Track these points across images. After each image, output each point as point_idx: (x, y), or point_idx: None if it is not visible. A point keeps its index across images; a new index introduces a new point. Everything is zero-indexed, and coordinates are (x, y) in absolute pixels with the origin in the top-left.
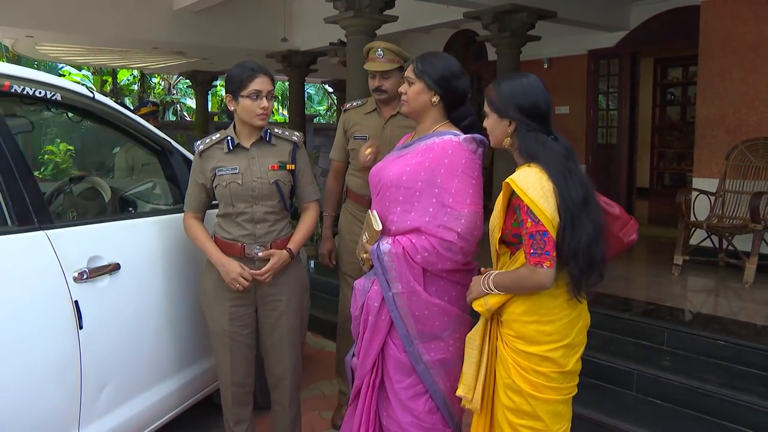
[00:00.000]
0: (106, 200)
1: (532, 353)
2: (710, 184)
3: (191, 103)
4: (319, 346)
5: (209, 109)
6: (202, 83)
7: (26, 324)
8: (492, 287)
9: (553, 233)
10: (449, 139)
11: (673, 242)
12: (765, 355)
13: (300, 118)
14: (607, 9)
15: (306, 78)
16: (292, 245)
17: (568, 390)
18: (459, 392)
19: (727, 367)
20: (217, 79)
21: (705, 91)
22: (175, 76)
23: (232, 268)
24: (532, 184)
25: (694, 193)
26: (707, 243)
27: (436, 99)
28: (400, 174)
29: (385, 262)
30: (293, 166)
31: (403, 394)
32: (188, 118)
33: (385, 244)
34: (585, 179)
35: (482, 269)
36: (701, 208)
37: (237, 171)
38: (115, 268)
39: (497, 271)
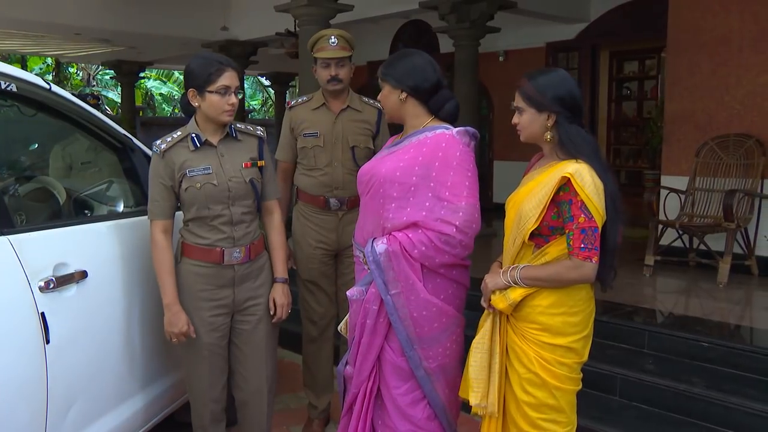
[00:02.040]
0: (61, 202)
1: (557, 345)
2: (679, 182)
3: (113, 96)
4: (279, 357)
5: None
6: (127, 74)
7: None
8: (519, 281)
9: (600, 229)
10: (442, 132)
11: (634, 242)
12: (751, 357)
13: (241, 114)
14: (567, 0)
15: (245, 70)
16: (281, 273)
17: (580, 380)
18: (472, 402)
19: (711, 369)
20: (144, 70)
21: (673, 86)
22: (95, 66)
23: (180, 321)
24: (588, 181)
25: (664, 192)
26: (677, 243)
27: (403, 96)
28: (393, 169)
29: (381, 264)
30: (263, 162)
31: (401, 401)
32: (109, 112)
33: (381, 245)
34: (613, 174)
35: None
36: (670, 207)
37: (210, 171)
38: (82, 276)
39: (524, 265)
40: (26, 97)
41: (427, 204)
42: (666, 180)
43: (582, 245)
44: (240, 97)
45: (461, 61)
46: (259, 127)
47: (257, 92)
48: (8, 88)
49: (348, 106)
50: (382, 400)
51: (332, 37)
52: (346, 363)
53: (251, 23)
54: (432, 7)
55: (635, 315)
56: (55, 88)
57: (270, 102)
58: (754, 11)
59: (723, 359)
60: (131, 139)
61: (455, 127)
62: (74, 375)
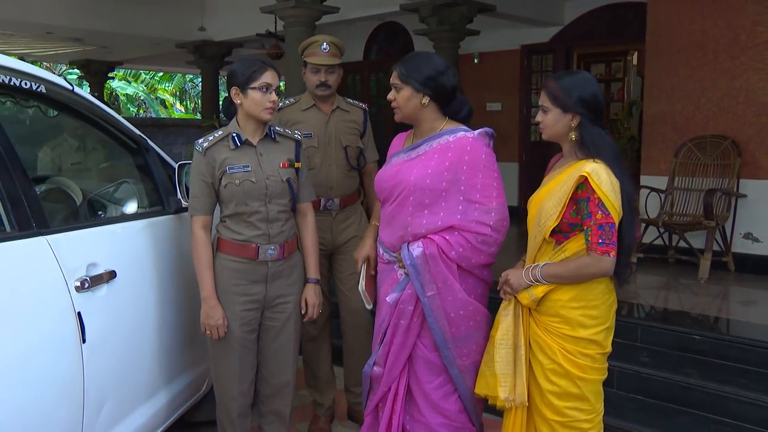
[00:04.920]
0: (78, 202)
1: (580, 337)
2: (658, 182)
3: None
4: None
5: None
6: (96, 74)
7: (30, 339)
8: (540, 278)
9: (616, 225)
10: (463, 135)
11: None
12: (739, 348)
13: (214, 114)
14: (543, 3)
15: (219, 71)
16: (313, 274)
17: (606, 370)
18: (502, 396)
19: (703, 360)
20: (113, 70)
21: (652, 88)
22: (62, 65)
23: (217, 314)
24: (604, 180)
25: (644, 191)
26: (658, 241)
27: (426, 100)
28: (423, 177)
29: (418, 266)
30: (300, 164)
31: (434, 395)
32: None
33: (417, 248)
34: (630, 176)
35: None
36: (650, 206)
37: (249, 169)
38: (111, 276)
39: (544, 263)
40: (52, 98)
41: (460, 207)
42: (645, 180)
43: (600, 240)
44: (278, 96)
45: None
46: (297, 131)
47: (224, 92)
48: (38, 89)
49: (338, 107)
50: (411, 396)
51: (324, 43)
52: (374, 364)
53: (227, 24)
54: (413, 10)
55: (626, 310)
56: (77, 89)
57: None
58: (727, 18)
59: (713, 351)
60: (146, 139)
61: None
62: (106, 373)
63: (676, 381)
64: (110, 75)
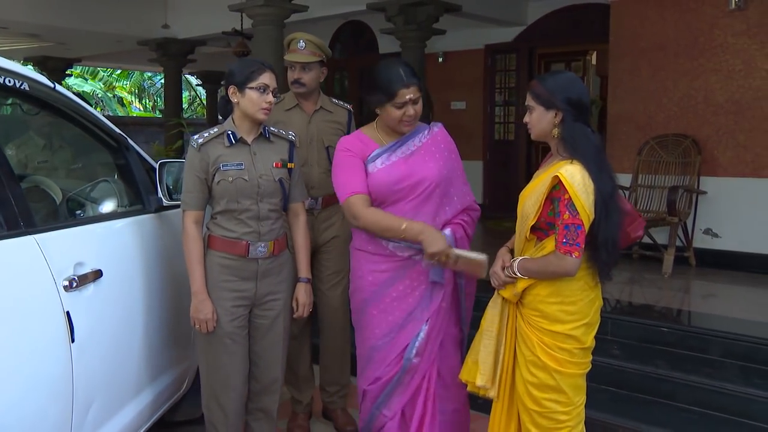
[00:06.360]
0: (57, 201)
1: (557, 332)
2: (622, 180)
3: None
4: None
5: None
6: (54, 71)
7: (21, 339)
8: (516, 272)
9: (586, 227)
10: (440, 128)
11: None
12: (704, 339)
13: (177, 112)
14: (507, 4)
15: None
16: (304, 273)
17: (586, 364)
18: (478, 382)
19: (671, 351)
20: (71, 67)
21: (616, 88)
22: (17, 61)
23: (207, 309)
24: (577, 181)
25: None
26: None
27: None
28: (440, 169)
29: None
30: (293, 164)
31: (459, 369)
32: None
33: (449, 234)
34: (613, 172)
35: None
36: None
37: (243, 167)
38: (97, 275)
39: (522, 257)
40: (33, 96)
41: (464, 189)
42: None
43: (564, 240)
44: (276, 98)
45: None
46: (291, 132)
47: (183, 90)
48: (21, 87)
49: (321, 107)
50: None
51: (300, 40)
52: (414, 355)
53: (191, 21)
54: (380, 9)
55: None
56: (58, 86)
57: (198, 101)
58: (687, 20)
59: (679, 342)
60: (126, 138)
61: None
62: (94, 373)
63: (646, 372)
64: (68, 72)
